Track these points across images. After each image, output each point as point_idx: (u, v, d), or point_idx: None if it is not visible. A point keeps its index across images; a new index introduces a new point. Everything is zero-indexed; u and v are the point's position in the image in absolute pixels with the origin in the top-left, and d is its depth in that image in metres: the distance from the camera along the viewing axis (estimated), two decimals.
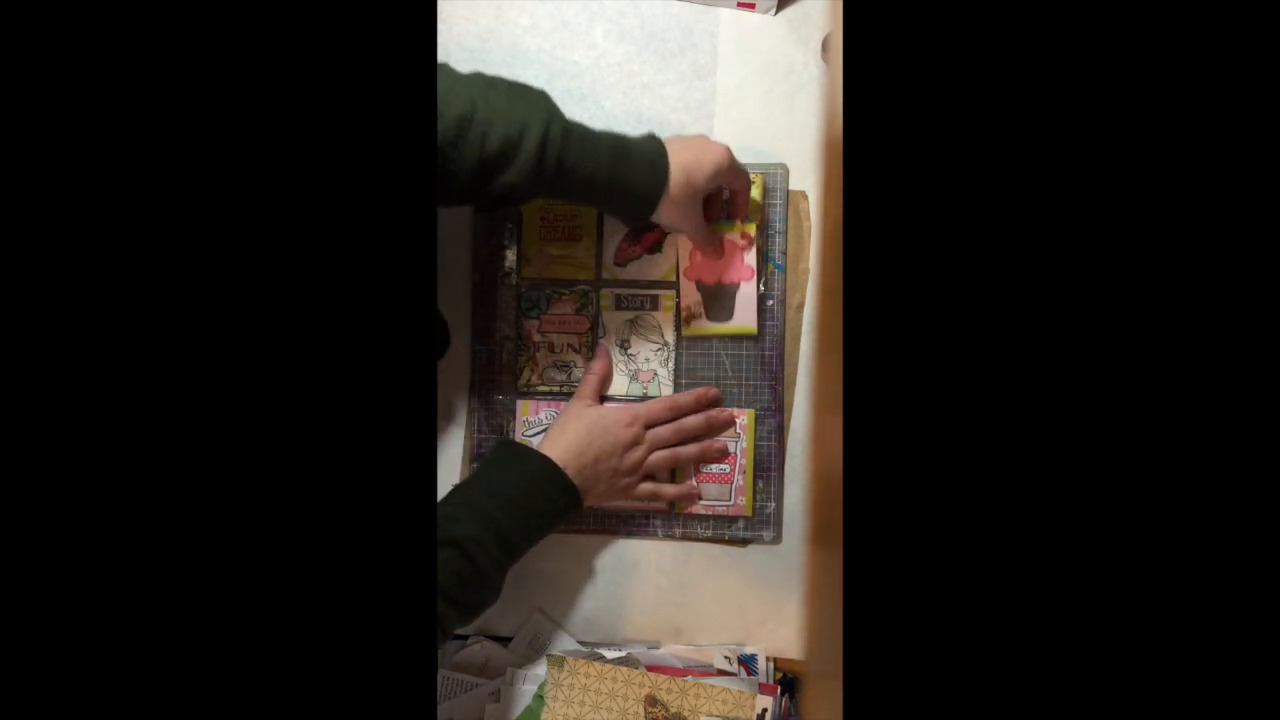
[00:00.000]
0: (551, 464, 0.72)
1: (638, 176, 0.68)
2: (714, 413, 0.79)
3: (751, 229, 0.78)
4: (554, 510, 0.72)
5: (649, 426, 0.76)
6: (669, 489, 0.79)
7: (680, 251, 0.80)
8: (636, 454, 0.75)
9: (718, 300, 0.80)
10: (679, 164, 0.69)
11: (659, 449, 0.77)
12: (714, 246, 0.77)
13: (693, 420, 0.78)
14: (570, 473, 0.72)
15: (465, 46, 0.82)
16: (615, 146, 0.68)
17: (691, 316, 0.80)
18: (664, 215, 0.72)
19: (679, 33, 0.81)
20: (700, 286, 0.79)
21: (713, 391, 0.80)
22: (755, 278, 0.79)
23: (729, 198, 0.78)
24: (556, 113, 0.66)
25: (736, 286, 0.79)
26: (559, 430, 0.75)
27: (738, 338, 0.80)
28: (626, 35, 0.81)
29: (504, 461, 0.73)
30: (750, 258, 0.78)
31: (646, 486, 0.78)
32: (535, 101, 0.66)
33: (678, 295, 0.81)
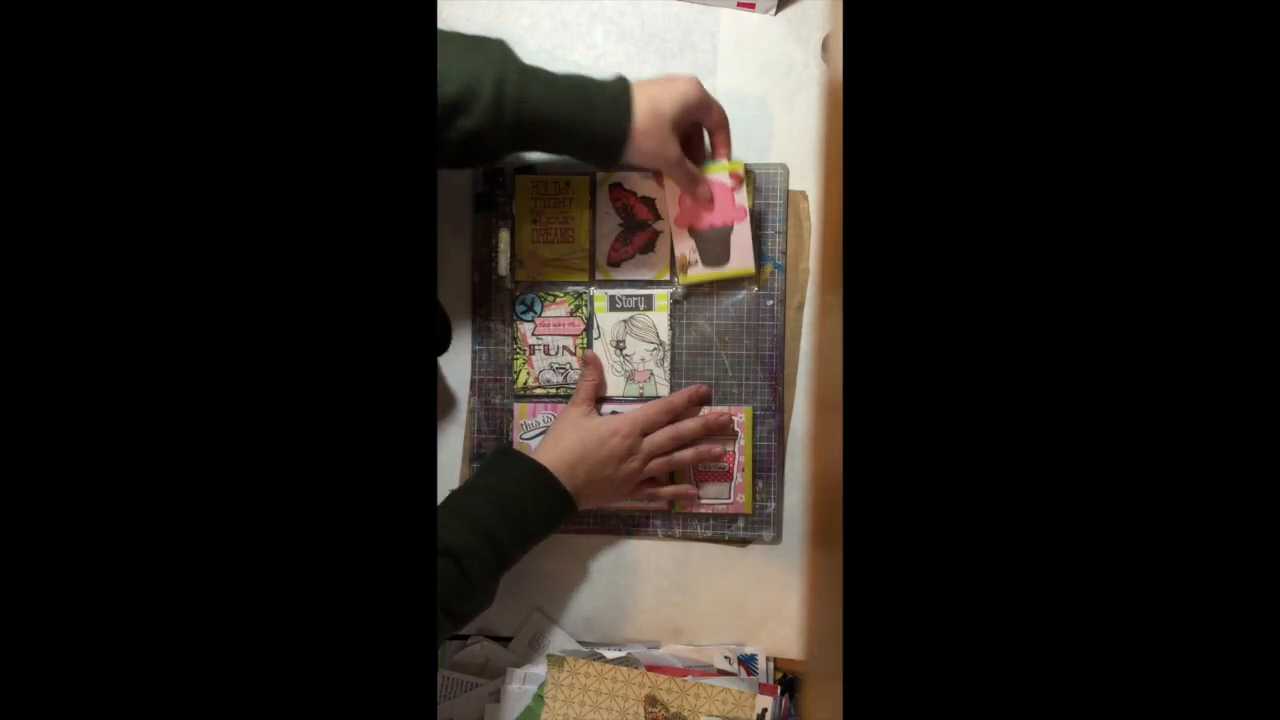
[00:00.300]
0: (547, 473, 0.72)
1: (601, 112, 0.68)
2: (710, 417, 0.79)
3: (739, 167, 0.76)
4: (549, 518, 0.73)
5: (645, 433, 0.76)
6: (666, 490, 0.79)
7: (669, 199, 0.78)
8: (633, 465, 0.75)
9: (712, 245, 0.78)
10: (645, 95, 0.69)
11: (656, 456, 0.77)
12: (697, 183, 0.75)
13: (689, 425, 0.78)
14: (564, 480, 0.72)
15: None
16: (577, 85, 0.68)
17: (687, 264, 0.78)
18: (638, 151, 0.70)
19: (679, 33, 0.81)
20: (693, 233, 0.78)
21: (703, 389, 0.79)
22: (748, 217, 0.77)
23: (711, 138, 0.76)
24: (513, 57, 0.66)
25: (730, 228, 0.77)
26: (554, 439, 0.75)
27: (737, 280, 0.79)
28: (626, 35, 0.81)
29: (501, 468, 0.73)
30: (741, 197, 0.76)
31: (644, 490, 0.78)
32: (492, 48, 0.66)
33: (671, 250, 0.80)
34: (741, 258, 0.78)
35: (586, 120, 0.67)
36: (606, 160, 0.71)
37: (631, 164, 0.73)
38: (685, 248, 0.78)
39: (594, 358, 0.79)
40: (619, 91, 0.68)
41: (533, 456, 0.73)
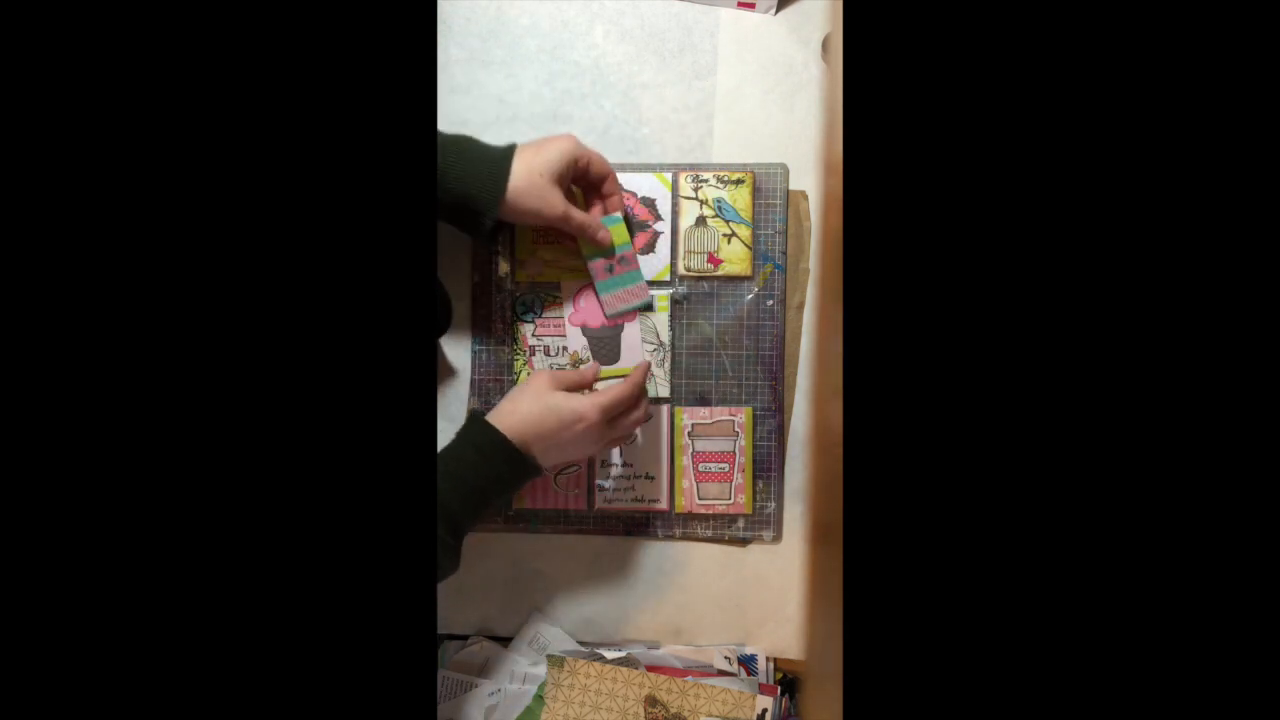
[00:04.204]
0: (507, 444, 0.69)
1: (475, 175, 0.68)
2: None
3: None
4: (507, 485, 0.70)
5: (611, 417, 0.72)
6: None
7: (564, 297, 0.79)
8: (594, 447, 0.73)
9: (603, 344, 0.79)
10: (521, 159, 0.70)
11: (622, 434, 0.74)
12: (590, 228, 0.74)
13: (638, 377, 0.74)
14: (522, 444, 0.70)
15: (465, 47, 0.82)
16: (454, 145, 0.69)
17: (579, 361, 0.80)
18: (520, 212, 0.70)
19: (679, 33, 0.81)
20: (585, 331, 0.79)
21: (645, 363, 0.76)
22: (636, 320, 0.78)
23: (601, 193, 0.76)
24: None
25: (621, 328, 0.78)
26: (512, 404, 0.71)
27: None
28: (626, 35, 0.81)
29: (463, 435, 0.71)
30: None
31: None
32: None
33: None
34: (631, 356, 0.79)
35: (458, 179, 0.68)
36: (475, 225, 0.71)
37: (519, 223, 0.73)
38: (577, 345, 0.79)
39: (595, 367, 0.76)
40: (499, 156, 0.70)
41: (490, 420, 0.70)
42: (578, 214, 0.73)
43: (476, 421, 0.71)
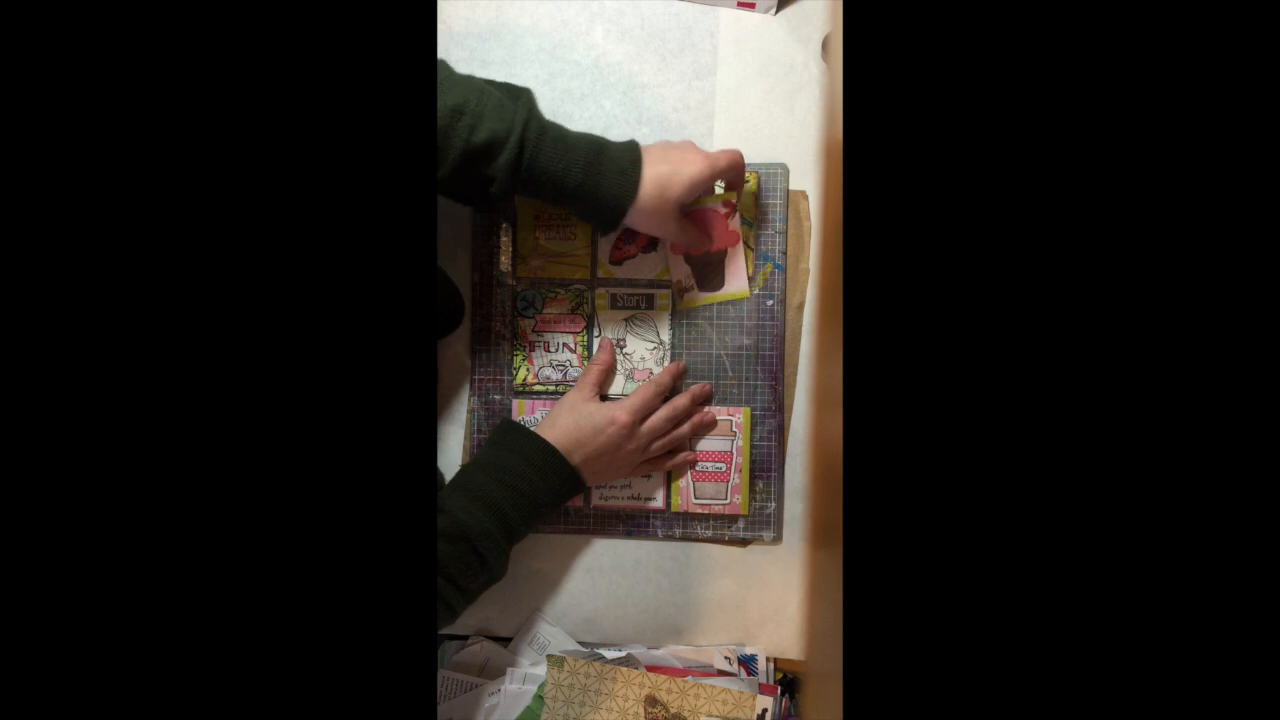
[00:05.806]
0: (556, 454, 0.73)
1: (607, 185, 0.69)
2: (698, 391, 0.80)
3: (732, 196, 0.78)
4: (558, 496, 0.75)
5: (642, 418, 0.76)
6: (668, 465, 0.80)
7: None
8: (631, 448, 0.76)
9: (707, 270, 0.80)
10: (653, 176, 0.70)
11: (655, 438, 0.77)
12: (697, 245, 0.78)
13: (681, 401, 0.78)
14: (571, 459, 0.74)
15: (465, 47, 0.82)
16: (590, 151, 0.69)
17: (684, 290, 0.80)
18: (638, 222, 0.73)
19: (679, 33, 0.81)
20: (688, 259, 0.80)
21: (707, 388, 0.80)
22: (741, 242, 0.79)
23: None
24: (536, 113, 0.69)
25: (724, 254, 0.80)
26: (550, 420, 0.76)
27: (734, 303, 0.81)
28: (626, 35, 0.81)
29: (510, 445, 0.74)
30: (734, 223, 0.79)
31: (645, 469, 0.79)
32: (523, 102, 0.68)
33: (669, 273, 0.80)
34: (736, 282, 0.80)
35: (593, 189, 0.69)
36: (605, 226, 0.74)
37: (629, 227, 0.75)
38: (681, 273, 0.80)
39: (608, 343, 0.80)
40: (629, 165, 0.70)
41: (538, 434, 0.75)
42: (690, 233, 0.76)
43: (520, 432, 0.75)
